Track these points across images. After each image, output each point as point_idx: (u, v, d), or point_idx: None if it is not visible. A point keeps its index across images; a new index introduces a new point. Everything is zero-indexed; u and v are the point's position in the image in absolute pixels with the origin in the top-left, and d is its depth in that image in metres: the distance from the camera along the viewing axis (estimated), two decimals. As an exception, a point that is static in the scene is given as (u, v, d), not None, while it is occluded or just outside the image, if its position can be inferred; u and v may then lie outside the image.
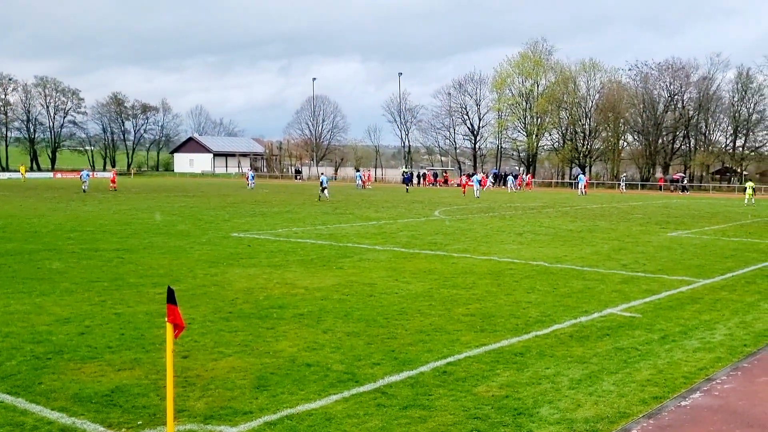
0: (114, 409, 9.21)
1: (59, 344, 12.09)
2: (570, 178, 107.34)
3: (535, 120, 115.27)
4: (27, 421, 8.75)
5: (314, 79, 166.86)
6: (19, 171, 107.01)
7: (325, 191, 56.52)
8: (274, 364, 11.09)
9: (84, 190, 64.27)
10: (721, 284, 18.39)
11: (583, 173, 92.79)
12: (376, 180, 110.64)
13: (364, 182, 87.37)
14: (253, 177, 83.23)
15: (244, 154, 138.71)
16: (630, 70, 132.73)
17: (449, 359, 11.49)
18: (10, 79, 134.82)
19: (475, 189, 69.18)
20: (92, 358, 11.34)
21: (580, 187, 78.46)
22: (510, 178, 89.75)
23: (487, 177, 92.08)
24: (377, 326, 13.59)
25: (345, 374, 10.66)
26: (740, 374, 10.81)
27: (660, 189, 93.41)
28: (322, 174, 65.78)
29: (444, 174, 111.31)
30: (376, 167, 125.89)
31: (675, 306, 15.66)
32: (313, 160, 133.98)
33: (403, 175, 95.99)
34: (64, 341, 12.29)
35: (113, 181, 71.66)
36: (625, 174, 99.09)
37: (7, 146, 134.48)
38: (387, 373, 10.74)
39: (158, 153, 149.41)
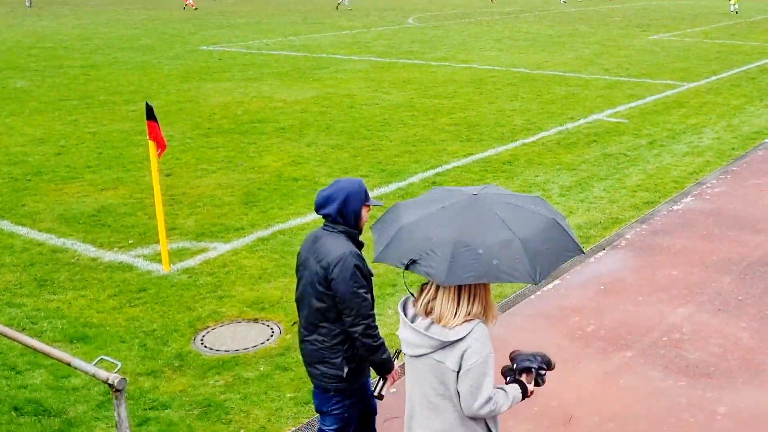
0: (103, 229, 9.18)
1: (37, 165, 11.89)
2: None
3: None
4: (16, 243, 8.72)
5: None
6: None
7: None
8: (260, 180, 11.04)
9: (29, 5, 61.04)
10: (706, 88, 18.32)
11: None
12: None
13: None
14: None
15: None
16: None
17: (437, 170, 11.49)
18: None
19: None
20: (73, 179, 11.19)
21: None
22: None
23: None
24: (361, 138, 13.47)
25: (334, 188, 10.63)
26: (730, 177, 10.94)
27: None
28: None
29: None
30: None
31: (661, 110, 15.63)
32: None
33: None
34: (41, 162, 12.08)
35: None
36: None
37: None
38: (376, 185, 10.74)
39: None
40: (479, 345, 3.27)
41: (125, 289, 7.54)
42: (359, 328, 4.08)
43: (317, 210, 4.25)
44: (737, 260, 8.10)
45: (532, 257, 3.17)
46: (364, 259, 4.15)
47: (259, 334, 6.67)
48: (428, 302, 3.35)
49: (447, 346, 3.28)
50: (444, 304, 3.29)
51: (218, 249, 8.52)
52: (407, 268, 3.22)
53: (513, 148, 12.76)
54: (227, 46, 28.53)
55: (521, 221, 3.29)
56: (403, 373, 3.77)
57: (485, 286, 3.33)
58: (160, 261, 8.04)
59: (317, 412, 4.50)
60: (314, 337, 4.25)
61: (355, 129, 14.17)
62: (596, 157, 12.10)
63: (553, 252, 3.28)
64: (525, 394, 3.53)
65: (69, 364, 4.20)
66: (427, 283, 3.38)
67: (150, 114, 7.71)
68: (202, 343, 6.53)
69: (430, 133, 13.79)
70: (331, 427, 4.38)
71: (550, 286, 7.55)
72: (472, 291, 3.29)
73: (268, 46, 28.48)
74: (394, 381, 4.30)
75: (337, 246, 4.09)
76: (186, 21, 42.00)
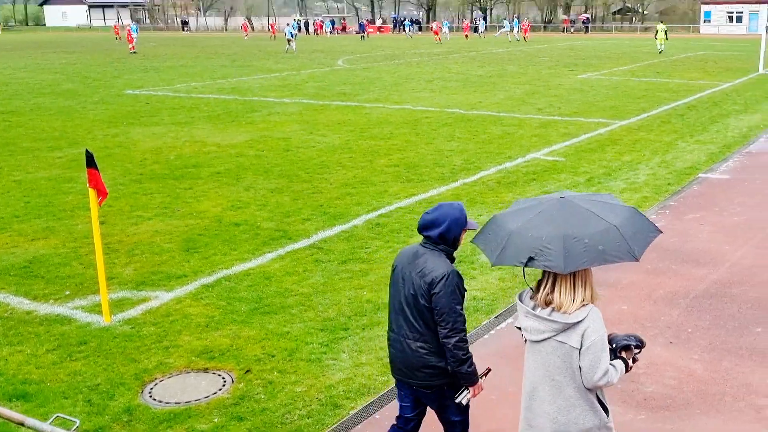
0: (36, 280, 8.94)
1: (-39, 216, 11.55)
2: (471, 22, 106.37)
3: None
4: (-57, 299, 8.41)
5: None
6: None
7: (292, 43, 51.88)
8: (200, 225, 10.91)
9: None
10: (637, 125, 18.92)
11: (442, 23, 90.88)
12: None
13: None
14: (136, 30, 71.36)
15: (123, 5, 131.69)
16: None
17: (380, 211, 11.55)
18: None
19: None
20: (0, 229, 10.89)
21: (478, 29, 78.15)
22: (407, 24, 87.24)
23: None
24: (300, 181, 13.47)
25: (276, 231, 10.59)
26: (668, 212, 11.26)
27: (562, 31, 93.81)
28: (287, 24, 59.35)
29: (342, 21, 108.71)
30: (268, 16, 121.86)
31: (596, 148, 16.06)
32: (200, 9, 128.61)
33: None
34: (-35, 212, 11.74)
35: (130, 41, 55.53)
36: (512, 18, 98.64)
37: None
38: (319, 228, 10.74)
39: (26, 5, 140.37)
40: (597, 325, 3.86)
41: (65, 343, 7.33)
42: (453, 340, 4.51)
43: (420, 231, 4.65)
44: (683, 293, 8.32)
45: (629, 240, 3.78)
46: (462, 278, 4.59)
47: (210, 384, 6.55)
48: (547, 294, 3.92)
49: (569, 328, 3.85)
50: (563, 294, 3.87)
51: (161, 298, 8.37)
52: (526, 265, 3.78)
53: (454, 187, 12.93)
54: (153, 90, 28.30)
55: (610, 213, 3.91)
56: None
57: (590, 273, 3.91)
58: (99, 312, 7.85)
59: (438, 410, 4.85)
60: (419, 344, 4.63)
61: (294, 172, 14.17)
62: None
63: (642, 233, 3.91)
64: (627, 369, 4.07)
65: (22, 424, 4.04)
66: (542, 279, 3.94)
67: (90, 161, 7.60)
68: (151, 396, 6.38)
69: (369, 175, 13.87)
70: (459, 416, 4.84)
71: (503, 324, 7.63)
72: (583, 279, 3.87)
73: (197, 90, 28.36)
74: (475, 394, 4.71)
75: (440, 264, 4.54)
76: (108, 65, 41.56)
